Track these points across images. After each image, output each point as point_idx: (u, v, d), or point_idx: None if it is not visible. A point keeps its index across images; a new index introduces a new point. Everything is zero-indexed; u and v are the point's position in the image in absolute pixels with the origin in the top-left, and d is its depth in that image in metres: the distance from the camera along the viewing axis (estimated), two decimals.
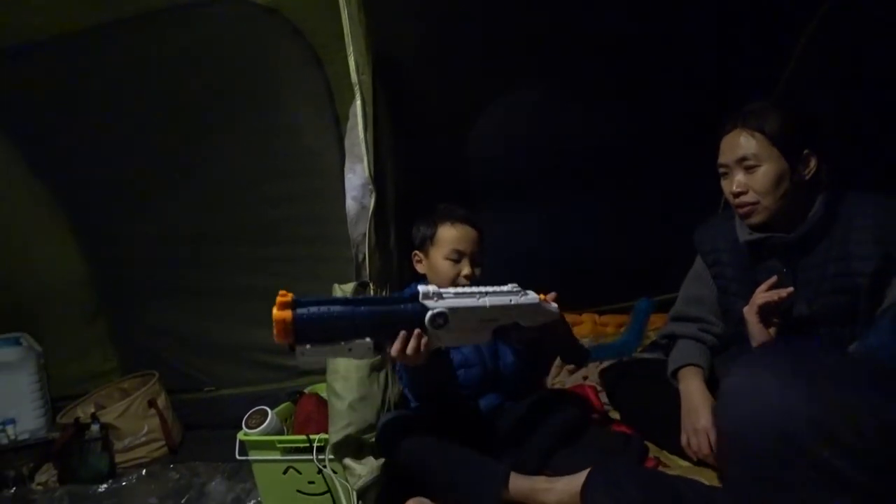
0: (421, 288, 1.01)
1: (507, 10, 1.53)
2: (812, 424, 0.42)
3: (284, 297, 0.92)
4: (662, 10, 1.53)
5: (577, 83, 1.74)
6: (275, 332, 0.90)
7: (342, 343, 0.92)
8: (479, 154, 1.88)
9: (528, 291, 1.08)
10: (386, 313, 0.98)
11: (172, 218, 2.17)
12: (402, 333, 0.98)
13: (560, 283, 1.45)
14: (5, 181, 2.21)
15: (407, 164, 1.66)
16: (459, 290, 1.04)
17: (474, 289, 1.05)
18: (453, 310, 0.99)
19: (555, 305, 1.11)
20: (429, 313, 0.98)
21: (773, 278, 1.11)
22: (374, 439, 1.20)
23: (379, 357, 1.26)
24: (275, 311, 0.90)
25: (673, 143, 1.78)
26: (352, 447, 1.18)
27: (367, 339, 0.94)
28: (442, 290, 1.02)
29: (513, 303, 1.05)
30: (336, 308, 0.93)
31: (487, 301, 1.03)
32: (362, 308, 0.96)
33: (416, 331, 0.98)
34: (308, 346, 0.91)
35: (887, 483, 0.41)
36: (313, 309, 0.92)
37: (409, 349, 0.98)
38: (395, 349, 0.98)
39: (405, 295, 1.07)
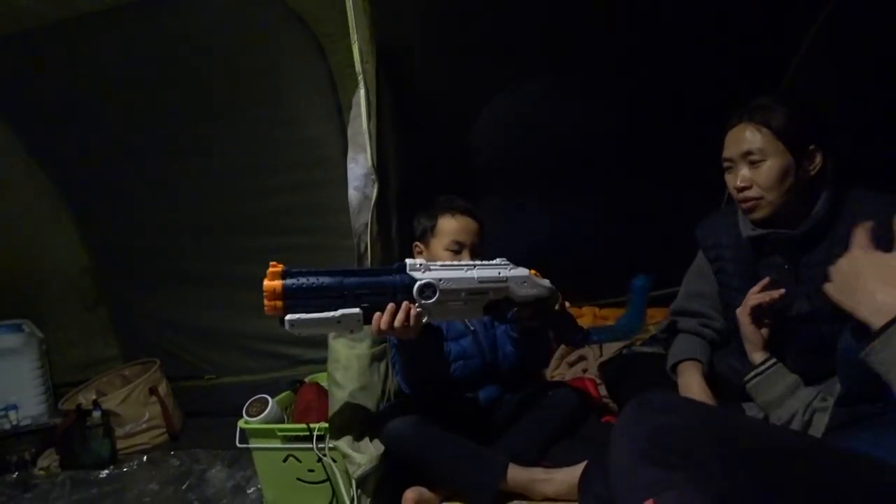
0: (409, 260, 1.01)
1: (513, 4, 1.51)
2: (647, 433, 0.69)
3: (275, 267, 0.93)
4: (667, 6, 1.52)
5: (581, 78, 1.73)
6: (265, 301, 0.92)
7: (330, 314, 0.93)
8: (482, 147, 1.87)
9: (518, 266, 1.09)
10: (375, 283, 0.98)
11: (174, 206, 2.17)
12: (391, 305, 0.97)
13: (561, 276, 1.45)
14: (8, 170, 2.21)
15: (409, 156, 1.65)
16: (448, 263, 1.05)
17: (463, 263, 1.06)
18: (441, 280, 1.00)
19: (547, 282, 1.11)
20: (417, 284, 0.99)
21: (766, 279, 1.12)
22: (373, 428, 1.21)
23: (381, 346, 1.27)
24: (265, 280, 0.91)
25: (675, 139, 1.77)
26: (349, 425, 1.18)
27: (357, 310, 0.95)
28: (430, 262, 1.03)
29: (501, 275, 1.05)
30: (325, 278, 0.94)
31: (476, 273, 1.03)
32: (351, 278, 0.97)
33: (405, 303, 0.98)
34: (298, 316, 0.91)
35: (694, 463, 0.65)
36: (303, 279, 0.93)
37: (398, 321, 0.97)
38: (384, 321, 0.97)
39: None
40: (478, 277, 1.03)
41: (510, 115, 1.81)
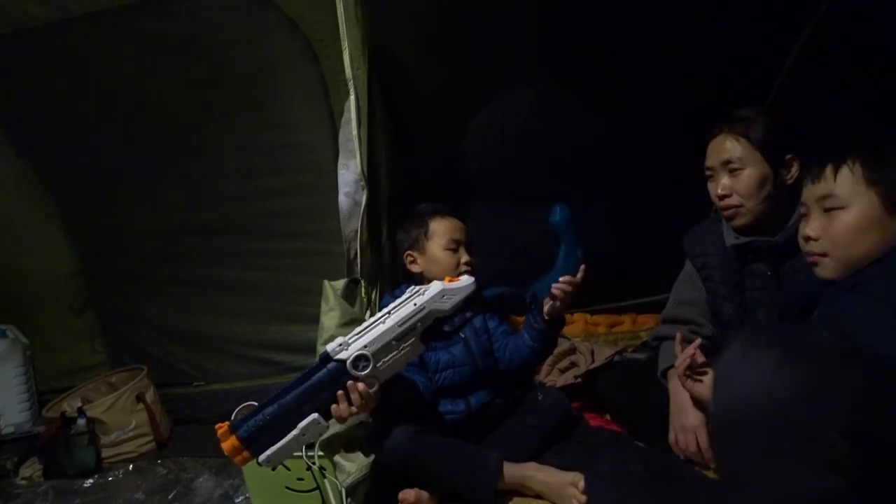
0: (328, 347, 1.02)
1: (508, 8, 1.53)
2: (811, 401, 0.44)
3: (222, 427, 0.97)
4: (661, 15, 1.54)
5: (573, 84, 1.74)
6: (235, 460, 0.96)
7: (292, 434, 0.96)
8: (475, 153, 1.87)
9: (430, 284, 1.09)
10: (312, 386, 1.00)
11: (163, 210, 2.15)
12: (340, 393, 0.99)
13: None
14: None
15: (402, 162, 1.65)
16: (360, 327, 1.04)
17: (377, 315, 1.05)
18: (366, 346, 1.01)
19: (465, 278, 1.11)
20: (348, 362, 1.00)
21: (693, 346, 1.15)
22: (363, 435, 1.20)
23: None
24: (223, 444, 0.95)
25: (667, 146, 1.78)
26: (341, 443, 1.17)
27: (313, 415, 0.97)
28: (344, 337, 1.03)
29: (418, 304, 1.05)
30: (268, 409, 0.98)
31: (393, 319, 1.03)
32: (290, 394, 0.99)
33: (349, 383, 0.99)
34: (268, 453, 0.95)
35: (875, 463, 0.44)
36: (251, 422, 0.97)
37: (354, 402, 0.99)
38: (342, 409, 0.99)
39: (385, 304, 1.11)
40: (397, 321, 1.03)
41: (504, 121, 1.82)
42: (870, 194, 0.84)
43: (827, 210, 0.88)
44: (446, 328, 1.10)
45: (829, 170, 0.87)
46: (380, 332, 1.02)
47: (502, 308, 1.25)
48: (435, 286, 1.07)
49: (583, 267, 1.24)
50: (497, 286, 1.18)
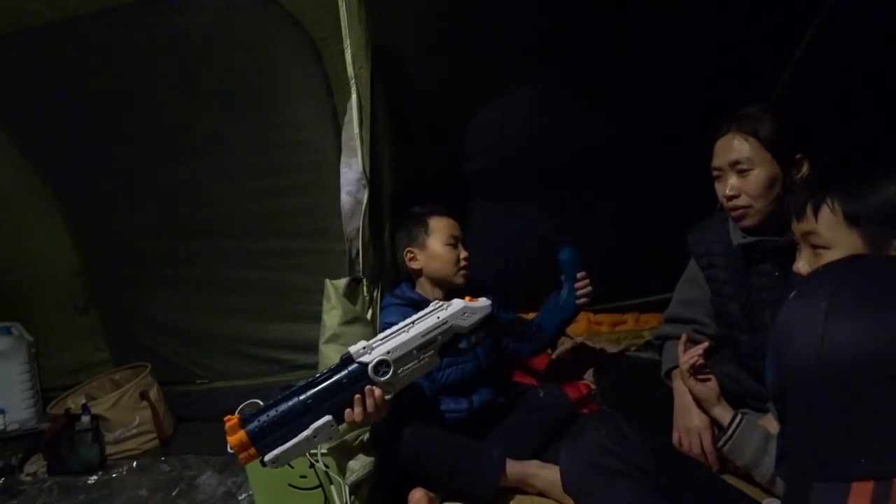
0: (351, 349, 1.02)
1: (509, 7, 1.52)
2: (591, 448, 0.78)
3: (231, 420, 0.94)
4: (664, 13, 1.54)
5: (575, 83, 1.74)
6: (239, 456, 0.92)
7: (304, 434, 0.94)
8: (476, 152, 1.87)
9: (452, 301, 1.10)
10: (330, 386, 0.99)
11: (167, 209, 2.16)
12: (357, 397, 0.99)
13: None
14: (0, 170, 2.19)
15: (404, 160, 1.65)
16: (384, 333, 1.04)
17: (400, 325, 1.06)
18: (389, 352, 1.01)
19: (484, 300, 1.13)
20: (370, 366, 0.99)
21: (700, 347, 1.13)
22: (367, 437, 1.20)
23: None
24: (229, 438, 0.92)
25: (670, 144, 1.78)
26: (346, 450, 1.18)
27: (327, 417, 0.96)
28: (368, 342, 1.03)
29: (441, 318, 1.06)
30: (283, 405, 0.95)
31: (416, 329, 1.04)
32: (307, 392, 0.97)
33: (368, 388, 0.99)
34: (275, 452, 0.93)
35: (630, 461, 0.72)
36: (262, 417, 0.94)
37: (369, 408, 0.99)
38: (357, 414, 0.98)
39: (386, 303, 1.14)
40: (420, 332, 1.04)
41: (504, 120, 1.81)
42: (852, 235, 0.81)
43: (814, 247, 0.85)
44: (462, 345, 1.11)
45: (809, 209, 0.84)
46: (403, 339, 1.03)
47: (511, 333, 1.31)
48: (457, 303, 1.09)
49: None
50: (507, 312, 1.26)
